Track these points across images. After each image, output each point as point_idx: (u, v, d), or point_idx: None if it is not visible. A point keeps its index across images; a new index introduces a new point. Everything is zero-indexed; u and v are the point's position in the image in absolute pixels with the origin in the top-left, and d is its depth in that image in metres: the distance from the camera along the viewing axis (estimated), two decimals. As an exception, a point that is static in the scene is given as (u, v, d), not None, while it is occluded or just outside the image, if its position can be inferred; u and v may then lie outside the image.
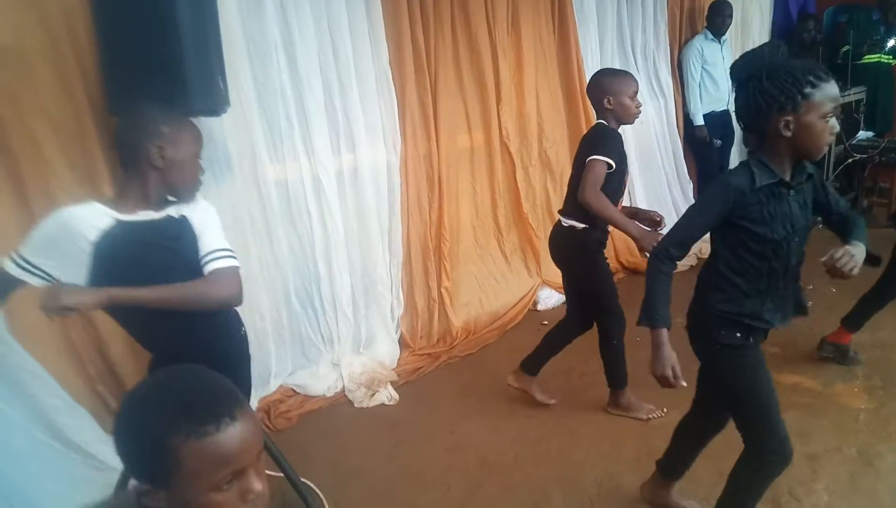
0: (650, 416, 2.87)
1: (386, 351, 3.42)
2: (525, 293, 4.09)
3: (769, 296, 1.78)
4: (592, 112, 4.28)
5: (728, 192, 1.69)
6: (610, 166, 2.53)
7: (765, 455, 1.85)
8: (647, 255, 2.47)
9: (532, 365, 2.98)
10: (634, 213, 2.72)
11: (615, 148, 2.57)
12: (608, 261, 2.88)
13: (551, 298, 4.19)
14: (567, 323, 2.93)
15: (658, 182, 5.08)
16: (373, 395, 3.13)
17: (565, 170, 4.37)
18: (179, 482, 0.86)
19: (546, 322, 3.98)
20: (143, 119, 1.68)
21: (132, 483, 0.91)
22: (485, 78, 3.81)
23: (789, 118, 1.62)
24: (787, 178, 1.71)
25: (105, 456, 2.37)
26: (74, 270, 1.60)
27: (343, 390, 3.19)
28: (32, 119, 2.23)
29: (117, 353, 2.48)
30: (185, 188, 1.73)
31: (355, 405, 3.10)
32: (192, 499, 0.88)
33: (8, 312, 2.21)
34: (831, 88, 1.62)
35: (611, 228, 2.72)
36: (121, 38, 2.01)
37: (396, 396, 3.18)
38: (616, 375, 2.89)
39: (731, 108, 5.18)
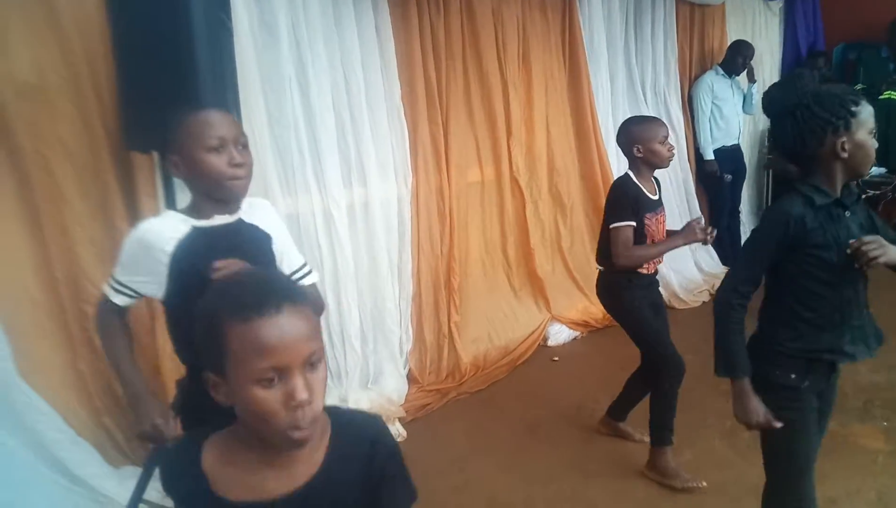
0: (689, 486, 2.61)
1: (394, 387, 3.39)
2: (535, 329, 4.06)
3: (846, 327, 1.69)
4: (605, 148, 4.37)
5: (788, 218, 1.64)
6: (632, 225, 2.54)
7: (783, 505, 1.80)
8: (711, 244, 2.54)
9: (619, 411, 2.95)
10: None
11: (628, 207, 2.56)
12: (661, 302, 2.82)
13: (562, 333, 4.16)
14: (641, 365, 2.84)
15: (669, 217, 5.03)
16: (381, 431, 3.09)
17: (575, 205, 4.40)
18: (230, 369, 0.89)
19: (556, 358, 3.95)
20: (168, 130, 1.57)
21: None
22: (495, 113, 3.85)
23: (843, 139, 1.61)
24: (843, 198, 1.69)
25: (109, 490, 2.35)
26: (149, 281, 1.57)
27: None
28: (50, 151, 2.26)
29: (126, 386, 2.47)
30: (216, 189, 1.54)
31: (363, 441, 3.06)
32: (240, 390, 0.89)
33: (15, 344, 2.22)
34: (868, 105, 1.64)
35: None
36: (139, 74, 2.05)
37: (404, 432, 3.13)
38: (661, 428, 2.67)
39: (742, 142, 5.23)
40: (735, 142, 5.19)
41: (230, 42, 2.21)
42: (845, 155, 1.62)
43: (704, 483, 2.63)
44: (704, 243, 2.61)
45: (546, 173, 4.23)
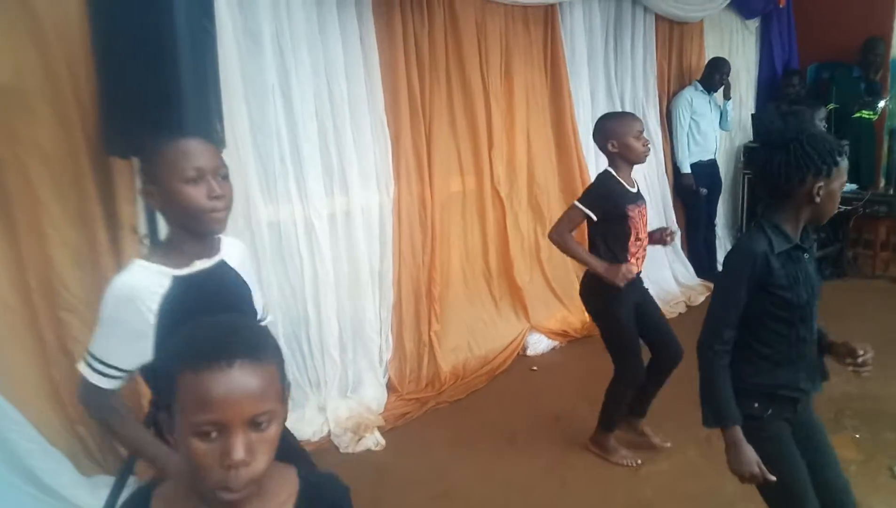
0: (623, 462, 2.85)
1: (373, 395, 3.38)
2: (514, 338, 4.07)
3: (801, 364, 1.75)
4: (585, 160, 4.42)
5: (753, 257, 1.67)
6: (588, 216, 2.61)
7: None
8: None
9: (639, 407, 2.97)
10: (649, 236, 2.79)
11: (594, 196, 2.65)
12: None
13: (540, 343, 4.18)
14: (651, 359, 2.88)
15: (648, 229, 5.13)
16: (359, 440, 3.08)
17: (555, 216, 4.40)
18: (176, 414, 0.87)
19: (535, 368, 3.97)
20: (143, 158, 1.49)
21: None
22: (477, 124, 3.88)
23: (821, 184, 1.64)
24: (799, 241, 1.73)
25: (81, 500, 2.32)
26: (135, 349, 1.42)
27: (329, 434, 3.13)
28: (28, 157, 2.24)
29: (100, 393, 2.44)
30: (195, 222, 1.45)
31: (341, 450, 3.04)
32: (182, 438, 0.87)
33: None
34: (846, 161, 1.69)
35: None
36: (120, 79, 2.03)
37: (383, 441, 3.12)
38: (609, 418, 2.87)
39: (718, 157, 5.32)
40: (712, 157, 5.28)
41: (213, 48, 2.20)
42: (818, 200, 1.66)
43: (639, 461, 2.85)
44: (664, 244, 2.76)
45: (526, 184, 4.27)
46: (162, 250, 1.50)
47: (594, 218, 2.63)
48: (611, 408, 2.85)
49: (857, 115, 5.63)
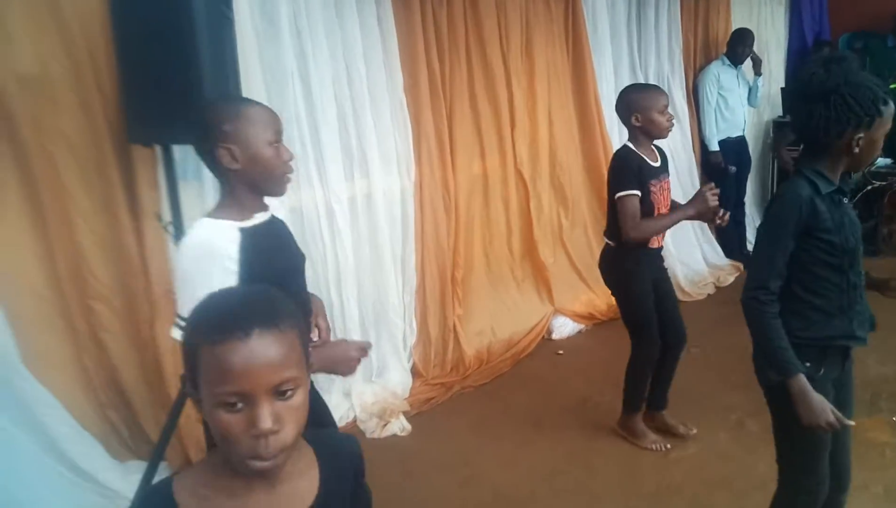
0: (652, 447, 2.82)
1: (398, 380, 3.38)
2: (538, 322, 4.04)
3: (852, 312, 1.69)
4: (609, 139, 4.34)
5: (799, 202, 1.62)
6: (637, 195, 2.52)
7: (795, 496, 1.80)
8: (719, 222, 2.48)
9: (657, 400, 2.93)
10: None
11: (630, 175, 2.55)
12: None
13: (566, 326, 4.14)
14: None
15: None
16: (385, 425, 3.09)
17: (579, 197, 4.38)
18: (202, 388, 0.87)
19: (561, 352, 3.94)
20: (204, 124, 1.54)
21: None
22: (499, 104, 3.82)
23: (861, 135, 1.59)
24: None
25: (113, 484, 2.36)
26: None
27: (355, 420, 3.15)
28: (53, 145, 2.26)
29: (129, 380, 2.48)
30: (272, 183, 1.57)
31: (367, 435, 3.06)
32: (209, 411, 0.86)
33: (19, 338, 2.22)
34: (892, 105, 1.62)
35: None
36: (141, 66, 2.03)
37: (409, 426, 3.13)
38: (632, 399, 2.85)
39: (747, 134, 5.17)
40: (740, 133, 5.14)
41: (231, 33, 2.19)
42: (857, 151, 1.61)
43: (668, 446, 2.82)
44: (714, 223, 2.58)
45: (549, 165, 4.20)
46: (223, 207, 1.56)
47: (639, 194, 2.53)
48: (632, 388, 2.83)
49: (894, 86, 5.45)
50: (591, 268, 4.33)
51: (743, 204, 5.46)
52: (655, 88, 2.66)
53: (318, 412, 1.73)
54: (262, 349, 0.85)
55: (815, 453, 1.73)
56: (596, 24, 4.37)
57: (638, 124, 2.58)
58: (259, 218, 1.58)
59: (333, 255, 3.13)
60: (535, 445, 2.95)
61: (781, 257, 1.65)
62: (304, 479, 0.98)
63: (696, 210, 2.50)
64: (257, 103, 1.60)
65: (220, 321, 0.86)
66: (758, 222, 5.64)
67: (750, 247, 5.48)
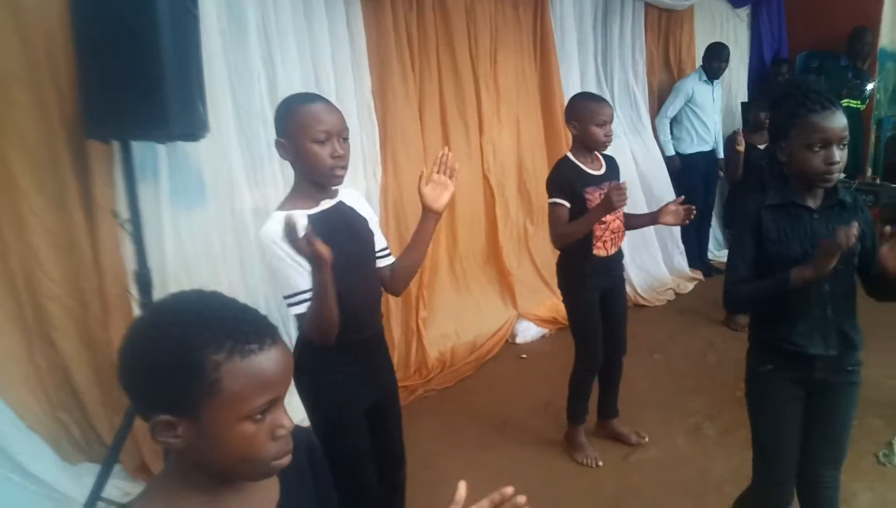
0: (583, 461, 2.81)
1: (361, 383, 3.36)
2: (501, 325, 4.06)
3: (800, 320, 1.74)
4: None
5: (747, 212, 1.77)
6: (564, 205, 2.56)
7: (757, 488, 1.91)
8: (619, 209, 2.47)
9: (607, 408, 2.96)
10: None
11: (557, 185, 2.58)
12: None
13: (529, 331, 4.17)
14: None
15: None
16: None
17: (544, 203, 4.39)
18: (213, 408, 0.80)
19: (524, 356, 3.96)
20: (278, 115, 1.69)
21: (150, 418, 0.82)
22: (468, 110, 3.84)
23: (783, 145, 1.70)
24: (813, 201, 1.73)
25: (63, 486, 2.29)
26: (304, 272, 1.62)
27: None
28: (6, 142, 2.20)
29: (82, 380, 2.41)
30: (319, 177, 1.67)
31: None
32: (223, 429, 0.81)
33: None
34: (820, 119, 1.62)
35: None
36: (101, 63, 1.98)
37: (371, 429, 3.10)
38: (572, 409, 2.87)
39: (718, 148, 5.26)
40: (711, 147, 5.23)
41: (196, 30, 2.16)
42: (784, 160, 1.72)
43: (601, 464, 2.80)
44: (680, 223, 2.63)
45: (516, 171, 4.24)
46: (291, 198, 1.71)
47: (568, 205, 2.56)
48: (573, 398, 2.86)
49: (845, 103, 5.65)
50: (554, 274, 4.35)
51: (710, 216, 5.55)
52: (601, 100, 2.61)
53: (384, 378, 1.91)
54: (284, 352, 0.87)
55: (765, 448, 1.85)
56: (563, 33, 4.43)
57: (574, 133, 2.60)
58: (325, 204, 1.71)
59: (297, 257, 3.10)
60: (497, 448, 2.96)
61: (744, 257, 1.77)
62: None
63: (604, 207, 2.45)
64: (316, 101, 1.67)
65: (242, 331, 0.83)
66: (719, 234, 5.83)
67: (710, 256, 5.61)
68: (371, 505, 1.85)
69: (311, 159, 1.63)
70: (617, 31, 4.88)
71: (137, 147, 2.25)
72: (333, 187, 1.74)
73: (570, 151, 2.67)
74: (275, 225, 1.60)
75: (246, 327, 0.83)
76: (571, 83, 4.50)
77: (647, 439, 2.93)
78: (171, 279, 2.53)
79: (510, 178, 4.20)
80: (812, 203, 1.73)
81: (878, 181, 5.67)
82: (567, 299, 2.81)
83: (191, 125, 2.12)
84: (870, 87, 5.71)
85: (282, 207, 1.69)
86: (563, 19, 4.41)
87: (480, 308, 4.01)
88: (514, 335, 4.13)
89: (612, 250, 2.70)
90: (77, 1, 2.01)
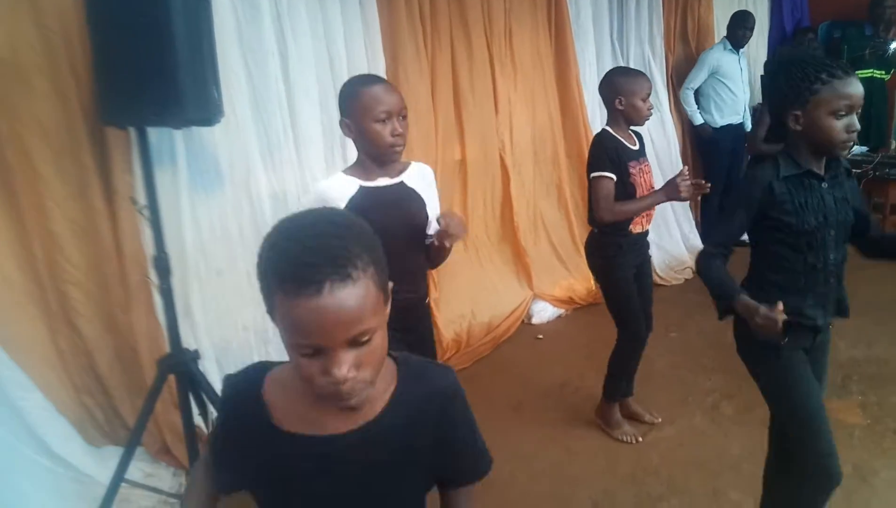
0: (624, 438, 2.82)
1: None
2: (517, 306, 4.06)
3: (810, 292, 1.74)
4: (590, 125, 4.34)
5: (755, 184, 1.71)
6: (612, 178, 2.53)
7: (807, 468, 1.78)
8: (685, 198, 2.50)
9: (611, 391, 2.90)
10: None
11: (605, 157, 2.56)
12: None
13: (545, 311, 4.17)
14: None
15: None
16: (365, 409, 3.09)
17: (561, 183, 4.39)
18: (277, 323, 0.87)
19: (541, 336, 3.97)
20: (342, 96, 1.85)
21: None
22: (482, 89, 3.81)
23: (798, 113, 1.65)
24: (820, 170, 1.71)
25: (89, 469, 2.33)
26: None
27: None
28: (26, 131, 2.20)
29: (104, 365, 2.44)
30: (379, 154, 1.82)
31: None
32: (287, 348, 0.88)
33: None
34: (843, 85, 1.60)
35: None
36: (116, 48, 1.97)
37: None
38: (613, 388, 2.85)
39: (747, 120, 5.15)
40: (739, 119, 5.12)
41: (209, 15, 2.15)
42: (798, 128, 1.67)
43: (640, 439, 2.81)
44: (690, 198, 2.62)
45: (531, 150, 4.21)
46: (353, 167, 1.88)
47: (615, 178, 2.54)
48: (615, 376, 2.84)
49: (868, 74, 5.51)
50: (571, 253, 4.37)
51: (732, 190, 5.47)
52: (641, 74, 2.65)
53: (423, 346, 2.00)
54: (335, 304, 0.81)
55: (803, 419, 1.75)
56: (578, 9, 4.37)
57: (621, 108, 2.59)
58: (382, 182, 1.85)
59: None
60: (514, 429, 2.98)
61: (732, 227, 1.77)
62: (378, 393, 0.97)
63: (667, 196, 2.51)
64: (377, 82, 1.82)
65: (292, 271, 0.82)
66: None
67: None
68: None
69: (373, 137, 1.77)
70: (633, 5, 4.79)
71: (154, 133, 2.25)
72: (394, 162, 1.87)
73: (608, 125, 2.65)
74: (333, 184, 1.80)
75: (294, 268, 0.82)
76: (587, 59, 4.45)
77: (660, 419, 2.93)
78: (189, 264, 2.55)
79: (526, 156, 4.17)
80: (820, 172, 1.72)
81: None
82: (603, 279, 2.77)
83: (205, 110, 2.12)
84: (894, 45, 5.54)
85: (345, 171, 1.87)
86: (577, -6, 4.34)
87: (496, 289, 4.01)
88: (529, 316, 4.13)
89: (647, 226, 2.71)
90: (91, -12, 2.01)
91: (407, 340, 1.85)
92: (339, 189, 1.81)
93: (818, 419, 1.75)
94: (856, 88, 1.61)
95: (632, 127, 2.68)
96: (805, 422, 1.76)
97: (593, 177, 2.55)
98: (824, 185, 1.71)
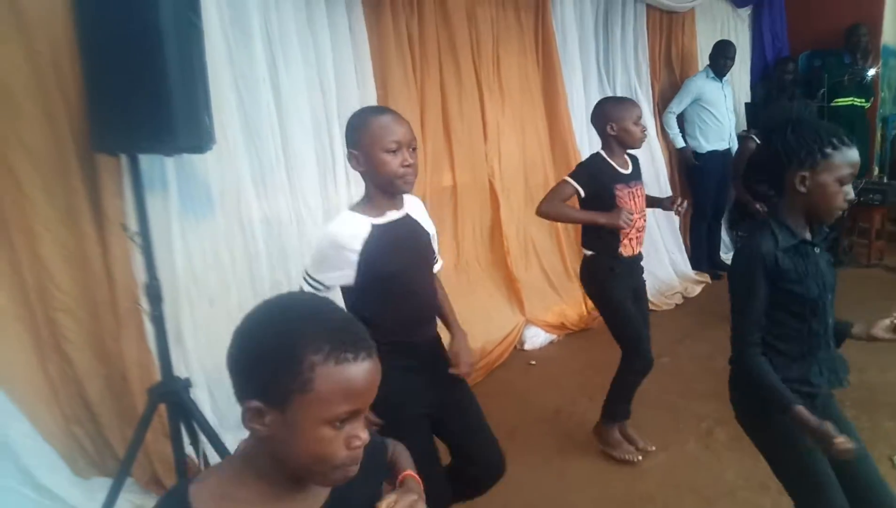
0: (625, 457, 2.82)
1: (371, 392, 3.34)
2: (510, 331, 4.05)
3: (814, 359, 1.73)
4: (579, 150, 4.39)
5: (761, 256, 1.66)
6: (577, 191, 2.61)
7: None
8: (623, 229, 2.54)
9: (611, 411, 2.88)
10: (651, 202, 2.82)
11: (583, 172, 2.66)
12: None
13: (538, 337, 4.16)
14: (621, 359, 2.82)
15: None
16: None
17: (551, 208, 4.41)
18: (300, 404, 0.85)
19: (534, 362, 3.95)
20: (350, 127, 1.81)
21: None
22: (471, 115, 3.85)
23: (805, 174, 1.63)
24: (809, 236, 1.71)
25: (76, 501, 2.27)
26: (340, 275, 1.77)
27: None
28: (15, 155, 2.19)
29: (94, 392, 2.40)
30: (389, 186, 1.76)
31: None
32: (304, 428, 0.86)
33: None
34: (851, 154, 1.63)
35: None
36: (107, 75, 1.98)
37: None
38: (614, 409, 2.84)
39: (734, 146, 5.20)
40: (726, 146, 5.19)
41: (200, 42, 2.16)
42: (803, 190, 1.65)
43: (640, 458, 2.81)
44: (676, 212, 2.72)
45: (521, 176, 4.24)
46: (362, 204, 1.81)
47: (583, 194, 2.62)
48: (616, 398, 2.82)
49: (849, 102, 5.63)
50: (562, 279, 4.38)
51: (721, 218, 5.52)
52: (630, 100, 2.75)
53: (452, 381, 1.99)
54: (375, 369, 0.90)
55: (815, 489, 1.70)
56: (565, 36, 4.44)
57: (613, 133, 2.65)
58: (391, 216, 1.79)
59: (299, 266, 3.08)
60: (508, 455, 2.90)
61: (758, 309, 1.69)
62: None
63: (607, 221, 2.56)
64: (385, 113, 1.78)
65: (346, 339, 0.87)
66: (726, 237, 5.79)
67: (722, 257, 5.58)
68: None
69: (383, 168, 1.72)
70: (619, 33, 4.89)
71: (145, 159, 2.25)
72: (402, 195, 1.84)
73: (602, 149, 2.71)
74: (344, 226, 1.75)
75: (346, 336, 0.88)
76: (574, 86, 4.51)
77: (653, 447, 2.90)
78: (181, 290, 2.53)
79: (516, 182, 4.20)
80: (810, 238, 1.72)
81: (884, 180, 5.65)
82: (601, 304, 2.79)
83: (197, 138, 2.12)
84: (871, 72, 5.68)
85: (353, 209, 1.81)
86: (563, 22, 4.42)
87: (488, 314, 3.99)
88: (522, 342, 4.12)
89: (637, 250, 2.74)
90: (81, 13, 2.01)
91: (436, 379, 1.88)
92: (351, 230, 1.74)
93: (829, 478, 1.69)
94: (856, 158, 1.64)
95: (628, 152, 2.73)
96: (819, 483, 1.69)
97: (563, 179, 2.66)
98: (817, 250, 1.71)
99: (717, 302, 4.56)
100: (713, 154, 5.12)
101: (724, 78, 5.11)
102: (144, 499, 2.44)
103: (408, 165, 1.73)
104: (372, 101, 3.33)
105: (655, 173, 5.15)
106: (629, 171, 2.71)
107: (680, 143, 5.14)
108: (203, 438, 2.20)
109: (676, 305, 4.77)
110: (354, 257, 1.72)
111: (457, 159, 3.84)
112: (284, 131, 2.98)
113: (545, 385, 3.62)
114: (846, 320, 1.83)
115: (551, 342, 4.20)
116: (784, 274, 1.66)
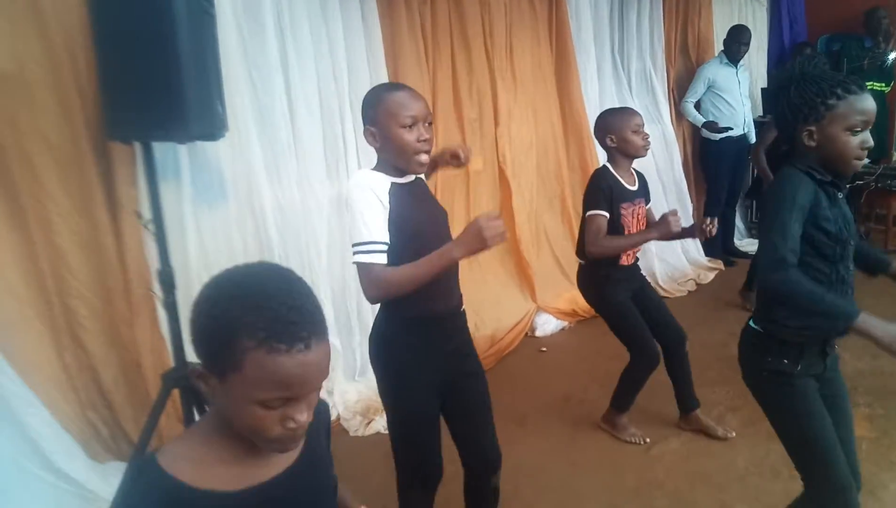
0: (631, 440, 2.86)
1: (381, 378, 3.37)
2: (521, 318, 4.05)
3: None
4: (592, 136, 4.33)
5: (805, 180, 1.59)
6: (605, 216, 2.58)
7: (824, 500, 1.70)
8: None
9: (686, 401, 2.92)
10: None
11: (601, 195, 2.60)
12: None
13: (549, 324, 4.16)
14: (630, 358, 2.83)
15: (659, 207, 5.04)
16: (368, 423, 3.08)
17: (564, 194, 4.40)
18: (234, 381, 0.87)
19: (544, 349, 3.95)
20: (366, 103, 1.79)
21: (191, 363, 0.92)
22: (483, 102, 3.83)
23: (812, 128, 1.61)
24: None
25: (93, 485, 2.32)
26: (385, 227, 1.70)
27: (338, 418, 3.13)
28: (31, 145, 2.22)
29: (108, 378, 2.44)
30: (404, 162, 1.73)
31: (350, 433, 3.05)
32: (237, 403, 0.88)
33: (1, 334, 2.18)
34: (859, 101, 1.58)
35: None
36: (121, 64, 2.00)
37: (393, 423, 3.12)
38: (621, 400, 2.88)
39: (749, 132, 5.13)
40: (741, 132, 5.13)
41: (213, 29, 2.17)
42: (813, 144, 1.62)
43: (647, 440, 2.85)
44: (702, 238, 2.63)
45: (533, 163, 4.22)
46: (377, 168, 1.78)
47: (608, 215, 2.59)
48: (625, 390, 2.86)
49: (869, 86, 5.53)
50: (574, 265, 4.29)
51: (735, 204, 5.47)
52: (628, 109, 2.72)
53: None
54: (317, 359, 0.88)
55: (818, 449, 1.68)
56: (580, 24, 4.40)
57: (613, 145, 2.63)
58: (408, 178, 1.78)
59: (317, 253, 3.11)
60: (519, 442, 2.96)
61: (797, 229, 1.57)
62: None
63: (659, 233, 2.55)
64: (400, 89, 1.77)
65: (280, 329, 0.85)
66: (740, 222, 5.73)
67: (737, 244, 5.53)
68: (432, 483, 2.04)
69: (399, 143, 1.70)
70: (634, 20, 4.83)
71: (159, 147, 2.27)
72: (419, 172, 1.82)
73: (608, 163, 2.69)
74: (368, 176, 1.71)
75: (283, 326, 0.85)
76: (588, 73, 4.47)
77: (733, 434, 2.86)
78: (194, 278, 2.56)
79: (528, 169, 4.18)
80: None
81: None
82: (601, 309, 2.82)
83: (210, 125, 2.14)
84: (892, 56, 5.57)
85: (372, 170, 1.78)
86: (578, 10, 4.38)
87: (499, 301, 4.00)
88: (533, 329, 4.12)
89: (633, 258, 2.77)
90: (96, 3, 2.03)
91: (451, 348, 1.90)
92: (373, 181, 1.70)
93: (833, 448, 1.67)
94: (870, 104, 1.59)
95: (634, 167, 2.72)
96: (824, 450, 1.67)
97: (588, 215, 2.60)
98: (841, 195, 1.68)
99: (730, 289, 4.55)
100: (727, 140, 5.06)
101: (740, 63, 5.03)
102: (159, 483, 2.48)
103: (424, 140, 1.72)
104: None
105: (669, 158, 5.11)
106: (635, 187, 2.70)
107: (701, 119, 5.08)
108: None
109: (689, 292, 4.74)
110: (386, 205, 1.68)
111: (470, 145, 3.83)
112: (296, 120, 2.99)
113: (556, 372, 3.63)
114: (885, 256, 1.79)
115: (562, 329, 4.20)
116: (822, 209, 1.61)
